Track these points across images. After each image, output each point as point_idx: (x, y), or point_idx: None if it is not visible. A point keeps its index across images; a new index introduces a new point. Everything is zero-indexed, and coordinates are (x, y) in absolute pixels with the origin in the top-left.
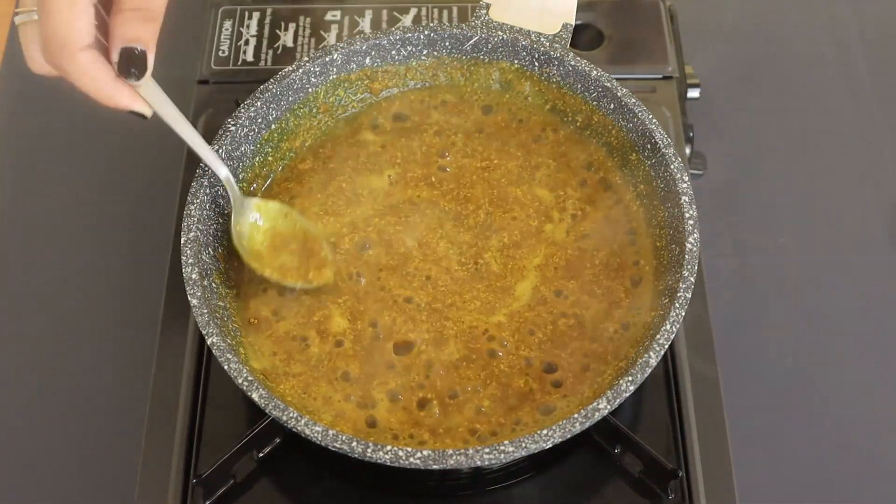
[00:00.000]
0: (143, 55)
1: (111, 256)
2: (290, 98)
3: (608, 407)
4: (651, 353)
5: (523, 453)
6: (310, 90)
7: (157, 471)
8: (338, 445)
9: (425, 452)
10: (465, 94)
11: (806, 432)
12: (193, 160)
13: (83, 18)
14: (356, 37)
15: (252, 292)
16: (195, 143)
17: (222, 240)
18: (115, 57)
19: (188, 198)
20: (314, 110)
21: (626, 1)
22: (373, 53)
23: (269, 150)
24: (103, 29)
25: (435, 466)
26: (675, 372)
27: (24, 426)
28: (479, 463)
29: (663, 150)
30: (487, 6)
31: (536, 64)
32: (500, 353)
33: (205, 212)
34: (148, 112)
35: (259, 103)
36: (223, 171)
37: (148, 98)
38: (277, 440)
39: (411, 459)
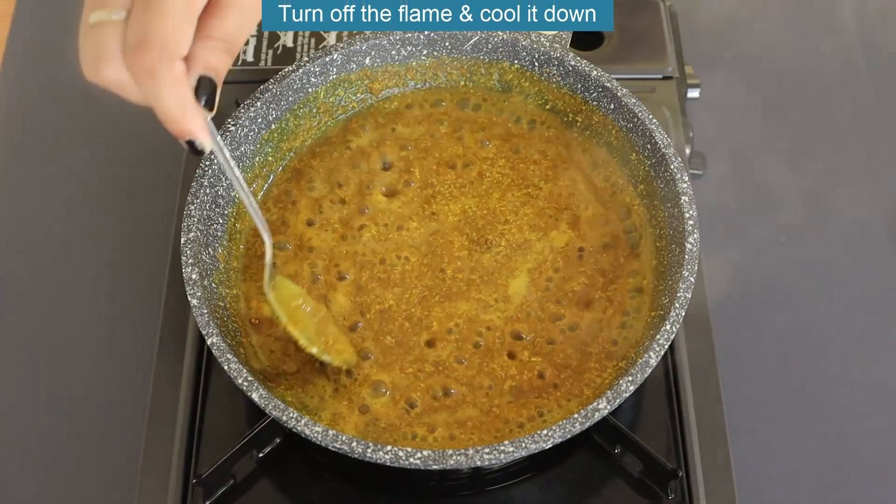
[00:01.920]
0: (214, 88)
1: (111, 256)
2: (290, 98)
3: (608, 407)
4: (651, 353)
5: (523, 453)
6: (310, 90)
7: (157, 471)
8: (338, 445)
9: (425, 452)
10: (465, 95)
11: (806, 432)
12: (193, 160)
13: (191, 27)
14: (356, 37)
15: (252, 292)
16: (243, 198)
17: (222, 240)
18: (192, 80)
19: (188, 198)
20: (314, 110)
21: (625, 1)
22: (373, 53)
23: (269, 150)
24: None
25: (435, 466)
26: (675, 372)
27: (24, 426)
28: (478, 463)
29: (663, 150)
30: None
31: (536, 64)
32: (499, 350)
33: (205, 212)
34: (208, 147)
35: (259, 103)
36: (269, 241)
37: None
38: (277, 440)
39: (411, 459)
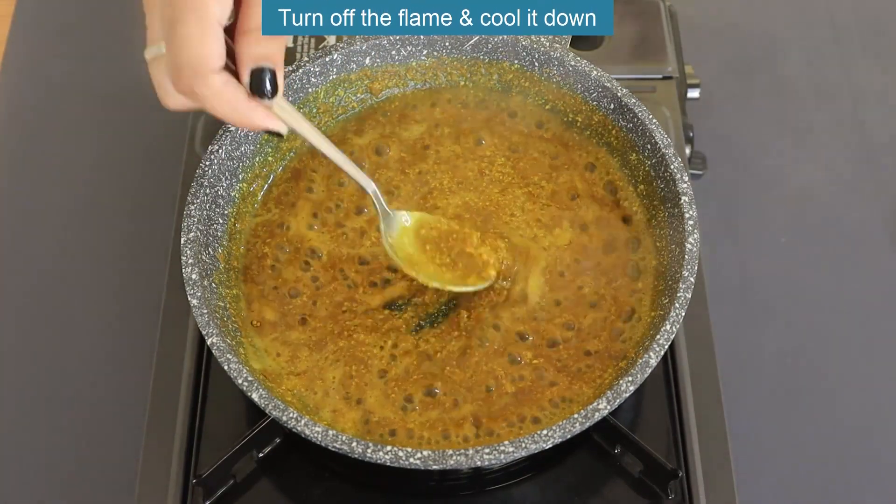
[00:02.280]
0: (273, 74)
1: (111, 256)
2: (290, 98)
3: (608, 407)
4: (651, 353)
5: (523, 453)
6: (310, 90)
7: (157, 471)
8: (338, 446)
9: (425, 452)
10: (465, 95)
11: (805, 432)
12: (193, 159)
13: (214, 41)
14: (356, 37)
15: (253, 294)
16: (336, 159)
17: (222, 240)
18: (245, 78)
19: (188, 198)
20: (314, 110)
21: (625, 1)
22: (373, 53)
23: (269, 150)
24: (229, 53)
25: (435, 466)
26: (675, 372)
27: (25, 426)
28: (479, 463)
29: (663, 150)
30: None
31: (536, 64)
32: (500, 350)
33: (205, 212)
34: (283, 130)
35: None
36: (371, 186)
37: (281, 115)
38: (277, 440)
39: (411, 460)
